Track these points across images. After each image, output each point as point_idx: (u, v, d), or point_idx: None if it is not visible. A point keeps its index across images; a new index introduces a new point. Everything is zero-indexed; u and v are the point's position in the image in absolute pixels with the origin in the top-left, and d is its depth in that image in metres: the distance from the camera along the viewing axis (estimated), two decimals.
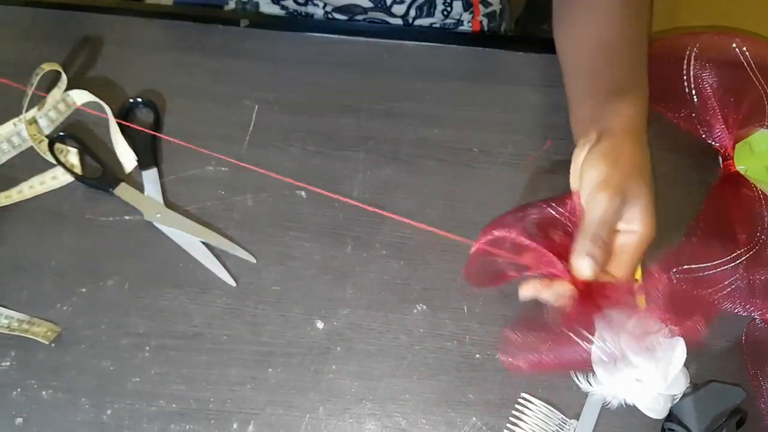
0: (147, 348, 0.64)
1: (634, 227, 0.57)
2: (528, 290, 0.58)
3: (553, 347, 0.59)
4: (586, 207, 0.58)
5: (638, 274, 0.65)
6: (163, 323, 0.65)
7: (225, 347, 0.64)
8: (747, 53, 0.72)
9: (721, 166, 0.69)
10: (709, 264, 0.60)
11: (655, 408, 0.58)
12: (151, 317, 0.65)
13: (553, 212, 0.63)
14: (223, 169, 0.71)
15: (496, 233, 0.63)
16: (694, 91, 0.70)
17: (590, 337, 0.57)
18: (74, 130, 0.72)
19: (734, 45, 0.73)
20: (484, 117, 0.75)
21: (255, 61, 0.77)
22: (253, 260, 0.67)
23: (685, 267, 0.60)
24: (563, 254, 0.60)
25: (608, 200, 0.56)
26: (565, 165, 0.70)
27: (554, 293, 0.58)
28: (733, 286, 0.60)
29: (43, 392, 0.62)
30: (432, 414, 0.62)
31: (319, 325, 0.65)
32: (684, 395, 0.59)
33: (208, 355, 0.64)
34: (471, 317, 0.65)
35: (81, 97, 0.73)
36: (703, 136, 0.69)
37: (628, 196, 0.56)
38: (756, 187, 0.66)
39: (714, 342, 0.65)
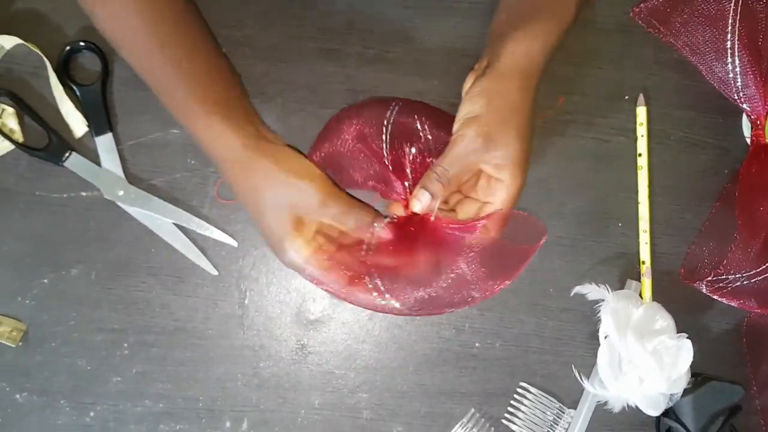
0: (125, 345, 0.59)
1: (501, 176, 0.54)
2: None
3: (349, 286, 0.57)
4: (450, 141, 0.55)
5: (645, 294, 0.62)
6: (140, 317, 0.60)
7: (210, 342, 0.60)
8: None
9: (750, 135, 0.62)
10: (745, 273, 0.56)
11: (654, 406, 0.58)
12: (126, 311, 0.59)
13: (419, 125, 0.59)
14: None
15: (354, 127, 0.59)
16: (737, 42, 0.61)
17: (380, 288, 0.56)
18: (8, 84, 0.59)
19: None
20: None
21: None
22: (234, 243, 0.61)
23: (719, 277, 0.56)
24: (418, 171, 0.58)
25: (468, 140, 0.54)
26: (578, 126, 0.64)
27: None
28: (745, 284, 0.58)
29: (17, 395, 0.58)
30: (430, 405, 0.61)
31: (311, 314, 0.61)
32: (684, 392, 0.59)
33: (192, 350, 0.60)
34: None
35: (9, 42, 0.59)
36: (735, 97, 0.62)
37: (495, 142, 0.53)
38: None
39: (715, 325, 0.64)
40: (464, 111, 0.55)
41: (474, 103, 0.54)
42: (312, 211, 0.53)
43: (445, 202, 0.58)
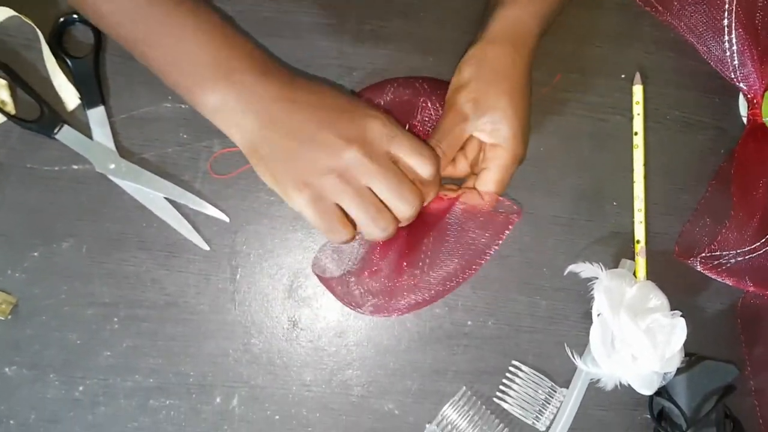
0: (115, 319, 0.59)
1: (496, 141, 0.53)
2: None
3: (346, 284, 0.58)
4: (442, 112, 0.55)
5: (639, 273, 0.61)
6: (131, 291, 0.59)
7: (202, 317, 0.60)
8: None
9: (746, 114, 0.62)
10: (739, 250, 0.56)
11: (648, 385, 0.58)
12: (117, 285, 0.59)
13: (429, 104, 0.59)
14: (182, 106, 0.60)
15: None
16: (734, 21, 0.60)
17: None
18: (0, 56, 0.59)
19: None
20: None
21: None
22: (226, 219, 0.60)
23: (714, 254, 0.56)
24: None
25: (457, 109, 0.53)
26: (574, 104, 0.64)
27: None
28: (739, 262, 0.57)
29: (6, 369, 0.58)
30: (422, 383, 0.61)
31: (303, 292, 0.61)
32: (678, 371, 0.59)
33: (183, 325, 0.59)
34: (464, 282, 0.62)
35: (2, 14, 0.59)
36: (732, 76, 0.61)
37: (484, 107, 0.53)
38: None
39: (709, 305, 0.64)
40: (454, 80, 0.54)
41: (462, 71, 0.54)
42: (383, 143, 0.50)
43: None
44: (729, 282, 0.58)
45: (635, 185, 0.63)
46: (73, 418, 0.58)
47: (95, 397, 0.58)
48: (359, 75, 0.62)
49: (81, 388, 0.58)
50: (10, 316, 0.58)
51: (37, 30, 0.59)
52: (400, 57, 0.63)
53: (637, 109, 0.63)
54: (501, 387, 0.61)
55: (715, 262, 0.56)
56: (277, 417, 0.60)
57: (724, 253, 0.56)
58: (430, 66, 0.62)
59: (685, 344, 0.58)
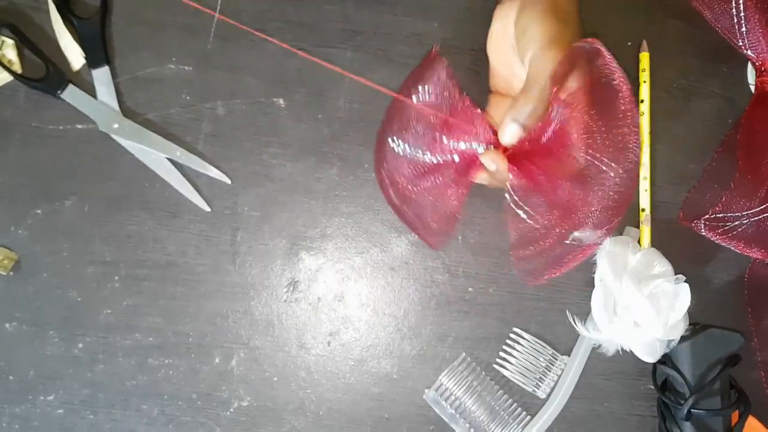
0: (116, 277, 0.59)
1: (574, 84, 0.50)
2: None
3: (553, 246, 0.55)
4: (530, 67, 0.50)
5: (644, 241, 0.60)
6: (132, 251, 0.59)
7: (202, 278, 0.60)
8: None
9: (754, 82, 0.61)
10: (745, 213, 0.55)
11: (650, 353, 0.57)
12: (118, 244, 0.59)
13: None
14: (186, 68, 0.61)
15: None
16: None
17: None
18: (8, 17, 0.60)
19: None
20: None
21: None
22: (228, 181, 0.60)
23: (718, 216, 0.55)
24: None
25: (557, 62, 0.48)
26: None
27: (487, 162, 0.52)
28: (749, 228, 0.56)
29: (7, 325, 0.58)
30: (421, 348, 0.61)
31: (303, 254, 0.61)
32: (682, 339, 0.58)
33: (184, 286, 0.59)
34: (466, 248, 0.61)
35: None
36: (740, 43, 0.61)
37: (578, 60, 0.49)
38: None
39: (716, 276, 0.63)
40: (533, 33, 0.50)
41: (545, 24, 0.50)
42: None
43: None
44: (736, 248, 0.56)
45: (641, 153, 0.62)
46: (72, 375, 0.58)
47: (94, 354, 0.59)
48: (362, 39, 0.62)
49: (80, 346, 0.58)
50: (11, 273, 0.58)
51: None
52: (403, 21, 0.62)
53: (644, 77, 0.62)
54: (501, 354, 0.61)
55: (721, 227, 0.55)
56: (275, 378, 0.60)
57: (729, 215, 0.55)
58: (433, 31, 0.62)
59: (690, 316, 0.57)
